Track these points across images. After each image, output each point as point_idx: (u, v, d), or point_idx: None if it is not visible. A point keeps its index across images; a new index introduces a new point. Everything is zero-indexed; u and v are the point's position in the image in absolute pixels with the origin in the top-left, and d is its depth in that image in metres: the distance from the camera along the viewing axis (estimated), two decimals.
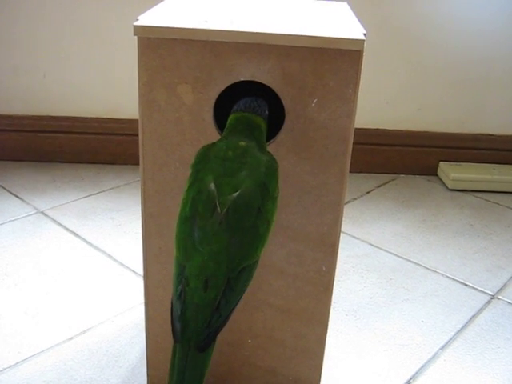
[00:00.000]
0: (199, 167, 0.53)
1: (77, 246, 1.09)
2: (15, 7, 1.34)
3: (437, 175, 1.50)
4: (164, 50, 0.57)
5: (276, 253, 0.65)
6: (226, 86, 0.59)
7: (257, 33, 0.56)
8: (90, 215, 1.20)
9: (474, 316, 0.94)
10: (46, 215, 1.20)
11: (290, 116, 0.59)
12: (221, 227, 0.50)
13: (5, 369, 0.78)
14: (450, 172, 1.42)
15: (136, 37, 0.57)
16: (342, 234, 0.67)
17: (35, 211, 1.21)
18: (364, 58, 0.57)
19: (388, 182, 1.45)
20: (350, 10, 0.74)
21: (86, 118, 1.44)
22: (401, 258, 1.11)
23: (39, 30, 1.37)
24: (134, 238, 1.12)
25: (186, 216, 0.52)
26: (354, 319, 0.92)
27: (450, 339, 0.88)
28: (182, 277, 0.51)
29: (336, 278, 0.69)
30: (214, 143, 0.56)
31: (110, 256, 1.06)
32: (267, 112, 0.59)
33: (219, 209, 0.50)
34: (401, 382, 0.79)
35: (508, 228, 1.24)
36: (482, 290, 1.01)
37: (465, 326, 0.91)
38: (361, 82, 0.58)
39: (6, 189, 1.30)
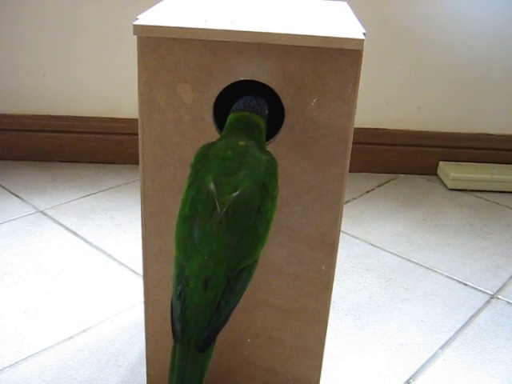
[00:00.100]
0: (199, 167, 0.53)
1: (76, 245, 1.09)
2: (16, 7, 1.34)
3: (436, 175, 1.50)
4: (164, 50, 0.57)
5: (276, 252, 0.65)
6: (226, 85, 0.59)
7: (256, 32, 0.56)
8: (89, 214, 1.20)
9: (473, 316, 0.94)
10: (45, 214, 1.20)
11: (290, 115, 0.59)
12: (220, 227, 0.50)
13: (4, 368, 0.78)
14: (450, 172, 1.42)
15: (136, 36, 0.57)
16: (341, 233, 0.67)
17: (35, 210, 1.21)
18: (364, 57, 0.57)
19: (388, 182, 1.45)
20: (350, 10, 0.74)
21: (86, 118, 1.44)
22: (400, 257, 1.11)
23: (39, 30, 1.36)
24: (133, 238, 1.12)
25: (185, 216, 0.52)
26: (354, 319, 0.92)
27: (450, 339, 0.88)
28: (181, 277, 0.51)
29: (336, 278, 0.69)
30: (213, 142, 0.55)
31: (109, 255, 1.06)
32: (267, 111, 0.59)
33: (219, 209, 0.50)
34: (400, 382, 0.79)
35: (508, 228, 1.24)
36: (482, 289, 1.01)
37: (464, 325, 0.91)
38: (360, 81, 0.58)
39: (5, 188, 1.30)
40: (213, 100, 0.59)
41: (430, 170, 1.50)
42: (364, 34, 0.57)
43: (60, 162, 1.45)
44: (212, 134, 0.60)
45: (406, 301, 0.97)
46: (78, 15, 1.36)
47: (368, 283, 1.01)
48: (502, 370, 0.82)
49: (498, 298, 0.99)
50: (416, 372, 0.81)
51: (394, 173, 1.50)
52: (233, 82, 0.58)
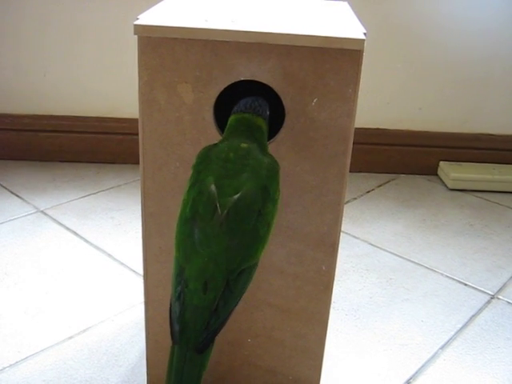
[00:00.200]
0: (200, 168, 0.53)
1: (77, 245, 1.09)
2: (17, 7, 1.34)
3: (437, 175, 1.50)
4: (164, 50, 0.57)
5: (276, 252, 0.65)
6: (227, 85, 0.59)
7: (257, 32, 0.56)
8: (89, 214, 1.20)
9: (473, 316, 0.94)
10: (45, 214, 1.20)
11: (291, 115, 0.59)
12: (221, 229, 0.50)
13: (5, 368, 0.78)
14: (451, 172, 1.42)
15: (136, 36, 0.57)
16: (341, 233, 0.67)
17: (35, 210, 1.21)
18: (364, 57, 0.57)
19: (388, 182, 1.45)
20: (351, 10, 0.74)
21: (87, 118, 1.44)
22: (401, 257, 1.10)
23: (40, 30, 1.36)
24: (133, 238, 1.12)
25: (186, 217, 0.52)
26: (354, 319, 0.91)
27: (450, 339, 0.88)
28: (181, 278, 0.51)
29: (336, 278, 0.69)
30: (215, 144, 0.55)
31: (109, 255, 1.06)
32: (268, 112, 0.59)
33: (219, 210, 0.50)
34: (401, 382, 0.79)
35: (508, 228, 1.24)
36: (482, 289, 1.01)
37: (465, 325, 0.91)
38: (361, 81, 0.58)
39: (6, 188, 1.30)
40: (213, 100, 0.59)
41: (430, 170, 1.50)
42: (365, 34, 0.57)
43: (60, 161, 1.45)
44: (212, 134, 0.60)
45: (407, 301, 0.97)
46: (78, 15, 1.36)
47: (368, 283, 1.01)
48: (503, 370, 0.82)
49: (499, 298, 0.99)
50: (416, 372, 0.81)
51: (395, 173, 1.50)
52: (233, 81, 0.58)
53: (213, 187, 0.51)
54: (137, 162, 0.62)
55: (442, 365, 0.82)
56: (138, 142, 0.62)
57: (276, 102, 0.59)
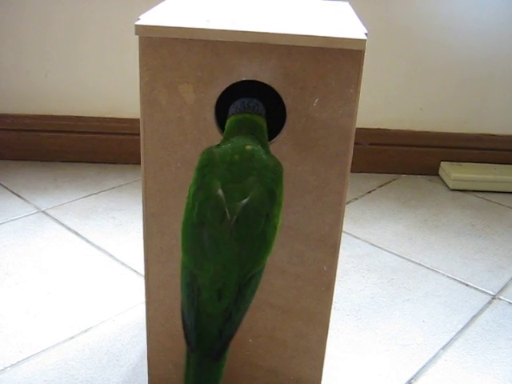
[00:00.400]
0: (205, 171, 0.52)
1: (78, 245, 1.09)
2: (18, 7, 1.34)
3: (438, 175, 1.50)
4: (165, 50, 0.57)
5: (277, 253, 0.65)
6: (228, 85, 0.59)
7: (258, 32, 0.56)
8: (91, 214, 1.20)
9: (475, 316, 0.94)
10: (47, 214, 1.20)
11: (292, 116, 0.59)
12: (231, 235, 0.49)
13: (6, 368, 0.78)
14: (452, 172, 1.42)
15: (137, 36, 0.57)
16: (343, 233, 0.67)
17: (36, 210, 1.21)
18: (365, 57, 0.57)
19: (389, 182, 1.45)
20: (352, 10, 0.74)
21: (88, 118, 1.44)
22: (402, 257, 1.10)
23: (41, 30, 1.37)
24: (135, 238, 1.12)
25: (193, 222, 0.51)
26: (355, 319, 0.91)
27: (451, 339, 0.88)
28: (193, 286, 0.50)
29: (337, 278, 0.69)
30: (217, 146, 0.55)
31: (111, 255, 1.06)
32: (264, 111, 0.59)
33: (228, 215, 0.49)
34: (402, 382, 0.79)
35: (509, 228, 1.24)
36: (484, 290, 1.01)
37: (466, 326, 0.91)
38: (362, 81, 0.58)
39: (7, 188, 1.30)
40: (214, 100, 0.59)
41: (431, 171, 1.50)
42: (366, 34, 0.57)
43: (62, 161, 1.46)
44: (214, 134, 0.60)
45: (408, 301, 0.97)
46: (79, 15, 1.36)
47: (369, 283, 1.01)
48: (504, 371, 0.82)
49: (500, 299, 0.98)
50: (417, 372, 0.81)
51: (396, 173, 1.50)
52: (235, 82, 0.58)
53: (220, 192, 0.50)
54: (138, 162, 0.63)
55: (443, 365, 0.82)
56: (139, 142, 0.62)
57: (277, 102, 0.59)
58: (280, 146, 0.61)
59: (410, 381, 0.79)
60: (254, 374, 0.73)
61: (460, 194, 1.41)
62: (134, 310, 0.91)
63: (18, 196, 1.27)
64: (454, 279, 1.04)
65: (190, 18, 0.61)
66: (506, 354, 0.85)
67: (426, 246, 1.15)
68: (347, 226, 1.20)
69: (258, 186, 0.51)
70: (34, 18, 1.35)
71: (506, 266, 1.09)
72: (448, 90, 1.45)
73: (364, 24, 0.63)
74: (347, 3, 0.79)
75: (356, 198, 1.35)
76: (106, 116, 1.44)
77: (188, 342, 0.51)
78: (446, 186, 1.44)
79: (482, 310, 0.95)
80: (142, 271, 0.69)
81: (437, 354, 0.85)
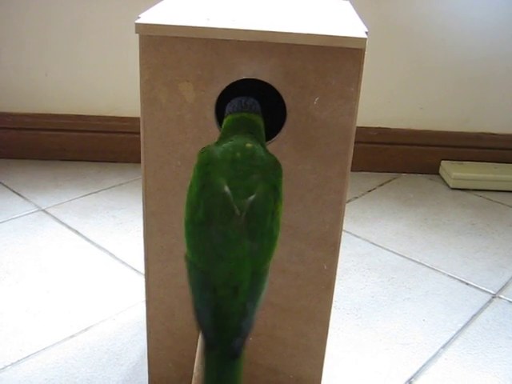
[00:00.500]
0: (208, 169, 0.52)
1: (78, 244, 1.09)
2: (19, 6, 1.34)
3: (438, 174, 1.50)
4: (166, 48, 0.57)
5: (277, 251, 0.65)
6: (228, 84, 0.59)
7: (259, 31, 0.56)
8: (91, 213, 1.20)
9: (475, 315, 0.93)
10: (47, 213, 1.20)
11: (292, 114, 0.59)
12: (242, 232, 0.49)
13: (6, 366, 0.78)
14: (452, 171, 1.42)
15: (138, 35, 0.57)
16: (343, 232, 0.67)
17: (37, 209, 1.21)
18: (366, 56, 0.57)
19: (389, 181, 1.45)
20: (352, 8, 0.74)
21: (88, 116, 1.44)
22: (402, 256, 1.10)
23: (42, 29, 1.37)
24: (135, 236, 1.12)
25: (199, 221, 0.50)
26: (355, 318, 0.91)
27: (452, 338, 0.88)
28: (205, 285, 0.50)
29: (337, 277, 0.69)
30: (216, 144, 0.55)
31: (111, 254, 1.06)
32: (260, 109, 0.59)
33: (238, 212, 0.49)
34: (402, 381, 0.79)
35: (510, 227, 1.24)
36: (484, 289, 1.01)
37: (466, 324, 0.91)
38: (362, 80, 0.58)
39: (7, 187, 1.30)
40: (215, 98, 0.59)
41: (431, 169, 1.50)
42: (366, 32, 0.57)
43: (62, 160, 1.46)
44: (214, 133, 0.60)
45: (408, 300, 0.97)
46: (80, 14, 1.36)
47: (370, 282, 1.01)
48: (504, 370, 0.82)
49: (500, 298, 0.98)
50: (417, 371, 0.81)
51: (396, 172, 1.50)
52: (235, 80, 0.58)
53: (227, 189, 0.50)
54: (138, 161, 0.62)
55: (444, 364, 0.82)
56: (139, 141, 0.62)
57: (277, 101, 0.59)
58: (280, 145, 0.61)
59: (410, 379, 0.79)
60: (254, 373, 0.73)
61: (460, 192, 1.40)
62: (134, 309, 0.91)
63: (18, 195, 1.27)
64: (455, 278, 1.04)
65: (190, 17, 0.60)
66: (506, 352, 0.85)
67: (426, 245, 1.15)
68: (347, 224, 1.20)
69: (263, 182, 0.51)
70: (34, 16, 1.35)
71: (507, 264, 1.09)
72: (448, 88, 1.44)
73: (364, 23, 0.63)
74: (348, 2, 0.79)
75: (356, 197, 1.35)
76: (106, 114, 1.44)
77: (207, 342, 0.50)
78: (447, 184, 1.44)
79: (482, 309, 0.95)
80: (142, 270, 0.70)
81: (437, 352, 0.85)
